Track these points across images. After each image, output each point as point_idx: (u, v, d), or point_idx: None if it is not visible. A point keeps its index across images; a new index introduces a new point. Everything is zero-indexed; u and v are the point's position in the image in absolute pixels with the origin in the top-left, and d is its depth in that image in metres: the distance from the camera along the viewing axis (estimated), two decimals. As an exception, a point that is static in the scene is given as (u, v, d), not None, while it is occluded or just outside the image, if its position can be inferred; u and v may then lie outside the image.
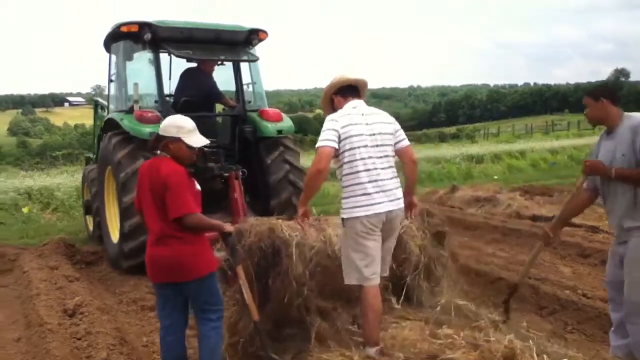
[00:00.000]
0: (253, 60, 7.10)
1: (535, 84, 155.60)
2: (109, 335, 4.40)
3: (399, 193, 3.71)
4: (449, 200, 10.59)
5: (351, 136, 3.60)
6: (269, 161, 6.72)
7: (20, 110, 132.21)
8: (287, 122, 6.97)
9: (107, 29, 7.01)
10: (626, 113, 3.63)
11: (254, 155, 6.84)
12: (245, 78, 7.32)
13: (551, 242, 4.09)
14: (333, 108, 3.88)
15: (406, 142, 3.81)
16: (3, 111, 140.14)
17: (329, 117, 3.75)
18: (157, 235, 3.32)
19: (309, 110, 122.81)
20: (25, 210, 10.63)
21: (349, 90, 3.85)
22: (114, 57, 7.28)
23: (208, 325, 3.42)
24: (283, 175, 6.71)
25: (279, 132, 6.76)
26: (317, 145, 3.65)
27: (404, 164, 3.84)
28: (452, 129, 50.45)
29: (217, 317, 3.46)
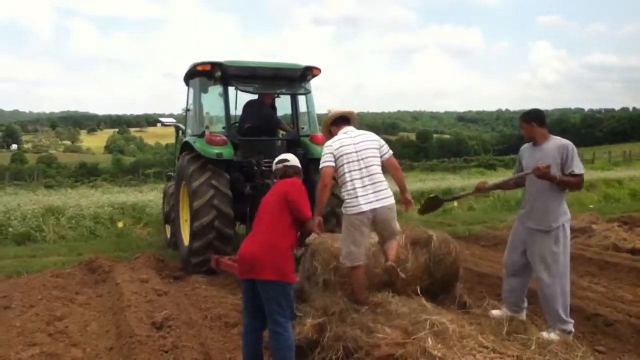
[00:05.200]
0: (305, 93, 7.97)
1: (634, 108, 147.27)
2: (194, 350, 4.49)
3: (385, 194, 4.79)
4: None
5: (342, 155, 4.84)
6: (316, 175, 7.30)
7: (116, 130, 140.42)
8: None
9: (186, 66, 8.13)
10: (552, 136, 4.77)
11: (306, 174, 7.37)
12: (303, 107, 8.19)
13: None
14: (331, 134, 5.14)
15: (389, 154, 5.00)
16: (102, 130, 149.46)
17: (326, 144, 5.02)
18: (257, 229, 4.01)
19: (392, 133, 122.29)
20: (120, 224, 11.15)
21: (341, 120, 5.14)
22: (191, 89, 8.43)
23: (276, 325, 3.80)
24: None
25: None
26: (320, 167, 4.90)
27: (390, 171, 5.05)
28: (542, 155, 48.41)
29: (285, 323, 3.82)
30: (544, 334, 4.40)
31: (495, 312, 5.05)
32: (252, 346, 4.00)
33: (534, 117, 4.83)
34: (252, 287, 3.89)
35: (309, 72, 7.86)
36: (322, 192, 4.82)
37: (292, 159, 4.37)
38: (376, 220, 4.80)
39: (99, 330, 5.23)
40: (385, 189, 4.84)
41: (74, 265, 8.05)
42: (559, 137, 4.82)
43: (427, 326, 4.11)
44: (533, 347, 3.83)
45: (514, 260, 5.01)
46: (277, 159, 4.41)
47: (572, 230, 9.44)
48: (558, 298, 4.67)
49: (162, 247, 9.34)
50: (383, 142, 5.03)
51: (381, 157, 4.95)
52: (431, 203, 5.67)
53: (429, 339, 3.88)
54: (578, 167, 4.60)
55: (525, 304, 5.11)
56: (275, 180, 4.38)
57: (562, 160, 4.61)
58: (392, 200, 4.84)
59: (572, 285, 6.45)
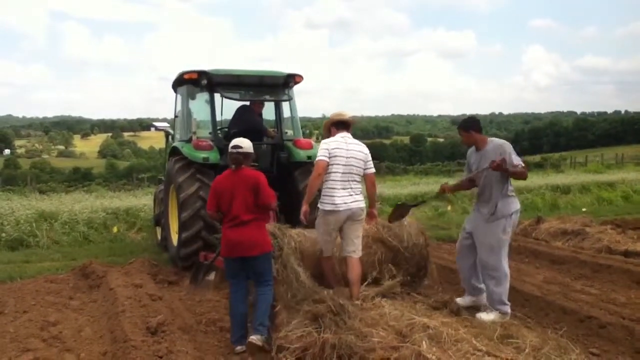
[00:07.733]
0: (288, 100, 8.28)
1: (626, 111, 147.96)
2: (189, 355, 4.49)
3: (357, 198, 5.38)
4: (534, 232, 10.17)
5: (335, 156, 5.32)
6: (298, 177, 7.87)
7: (110, 134, 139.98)
8: (316, 150, 8.02)
9: (175, 74, 8.45)
10: (489, 138, 5.38)
11: (289, 176, 7.98)
12: (287, 112, 8.51)
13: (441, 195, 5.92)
14: (330, 133, 5.57)
15: (371, 170, 5.54)
16: (95, 135, 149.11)
17: (323, 141, 5.46)
18: (240, 219, 4.64)
19: (385, 137, 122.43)
20: (114, 229, 11.10)
21: (342, 124, 5.56)
22: (179, 96, 8.76)
23: (263, 286, 4.78)
24: None
25: (309, 157, 7.83)
26: (316, 160, 5.37)
27: (366, 184, 5.58)
28: (536, 158, 48.51)
29: (270, 284, 4.83)
30: (483, 315, 5.13)
31: (459, 300, 5.58)
32: (241, 305, 4.78)
33: (471, 126, 5.39)
34: (239, 262, 4.71)
35: (291, 80, 8.13)
36: (314, 181, 5.31)
37: (246, 146, 4.80)
38: (349, 217, 5.35)
39: (93, 336, 5.21)
40: (357, 194, 5.41)
41: (68, 271, 8.01)
42: (495, 138, 5.44)
43: (422, 329, 4.13)
44: (527, 351, 3.86)
45: (463, 245, 5.60)
46: (233, 144, 4.82)
47: (566, 232, 9.62)
48: (503, 281, 5.21)
49: (156, 251, 9.30)
50: (369, 158, 5.54)
51: (364, 169, 5.46)
52: (399, 210, 6.03)
53: (424, 343, 3.90)
54: (517, 160, 5.16)
55: (483, 287, 5.52)
56: (231, 165, 4.80)
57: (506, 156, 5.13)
58: (360, 205, 5.41)
59: (566, 288, 6.55)
